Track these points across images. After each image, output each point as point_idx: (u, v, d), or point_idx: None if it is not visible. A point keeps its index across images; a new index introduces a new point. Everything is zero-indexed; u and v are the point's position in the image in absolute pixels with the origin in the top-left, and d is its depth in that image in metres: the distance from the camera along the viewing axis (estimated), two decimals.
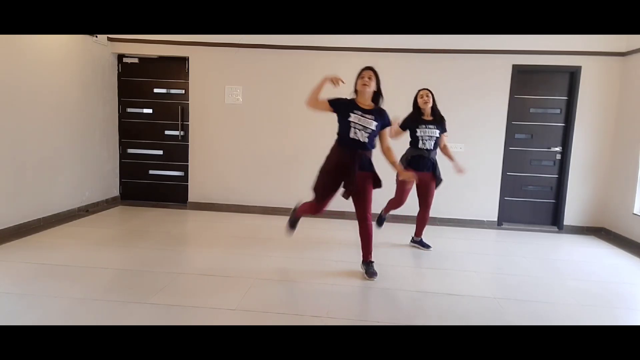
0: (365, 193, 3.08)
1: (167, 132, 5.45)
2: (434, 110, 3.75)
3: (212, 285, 2.93)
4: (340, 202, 3.16)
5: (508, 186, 5.11)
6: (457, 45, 4.84)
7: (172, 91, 5.40)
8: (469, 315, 2.64)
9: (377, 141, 3.10)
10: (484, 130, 5.00)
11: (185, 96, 5.35)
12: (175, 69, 5.35)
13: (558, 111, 5.01)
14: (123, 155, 5.54)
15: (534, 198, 5.17)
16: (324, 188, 3.11)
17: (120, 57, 5.40)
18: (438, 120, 3.75)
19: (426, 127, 3.72)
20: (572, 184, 4.98)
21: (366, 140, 2.99)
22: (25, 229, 3.97)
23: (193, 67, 5.24)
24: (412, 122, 3.78)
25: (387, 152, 3.14)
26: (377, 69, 3.04)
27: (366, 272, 3.16)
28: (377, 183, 3.12)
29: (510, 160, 5.07)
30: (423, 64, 4.96)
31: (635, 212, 4.45)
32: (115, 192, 5.53)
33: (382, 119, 3.04)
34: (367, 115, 2.98)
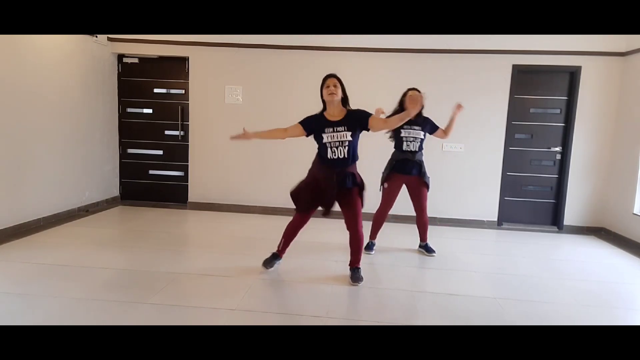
0: (353, 206, 3.00)
1: (167, 132, 5.45)
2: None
3: (212, 285, 2.93)
4: None
5: (508, 186, 5.11)
6: (457, 45, 4.84)
7: (172, 91, 5.40)
8: (469, 315, 2.64)
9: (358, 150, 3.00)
10: (484, 130, 5.00)
11: (185, 96, 5.35)
12: (175, 69, 5.35)
13: (558, 111, 5.01)
14: (123, 155, 5.54)
15: (534, 198, 5.17)
16: (306, 201, 3.03)
17: (120, 57, 5.40)
18: (422, 121, 3.62)
19: (411, 128, 3.58)
20: (572, 184, 4.98)
21: (345, 155, 2.88)
22: (25, 229, 3.97)
23: (193, 67, 5.24)
24: None
25: (385, 124, 2.94)
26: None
27: (351, 277, 3.08)
28: (362, 194, 3.03)
29: (510, 160, 5.07)
30: (423, 64, 4.95)
31: (635, 212, 4.45)
32: (115, 192, 5.52)
33: (355, 122, 2.89)
34: (338, 129, 2.88)
